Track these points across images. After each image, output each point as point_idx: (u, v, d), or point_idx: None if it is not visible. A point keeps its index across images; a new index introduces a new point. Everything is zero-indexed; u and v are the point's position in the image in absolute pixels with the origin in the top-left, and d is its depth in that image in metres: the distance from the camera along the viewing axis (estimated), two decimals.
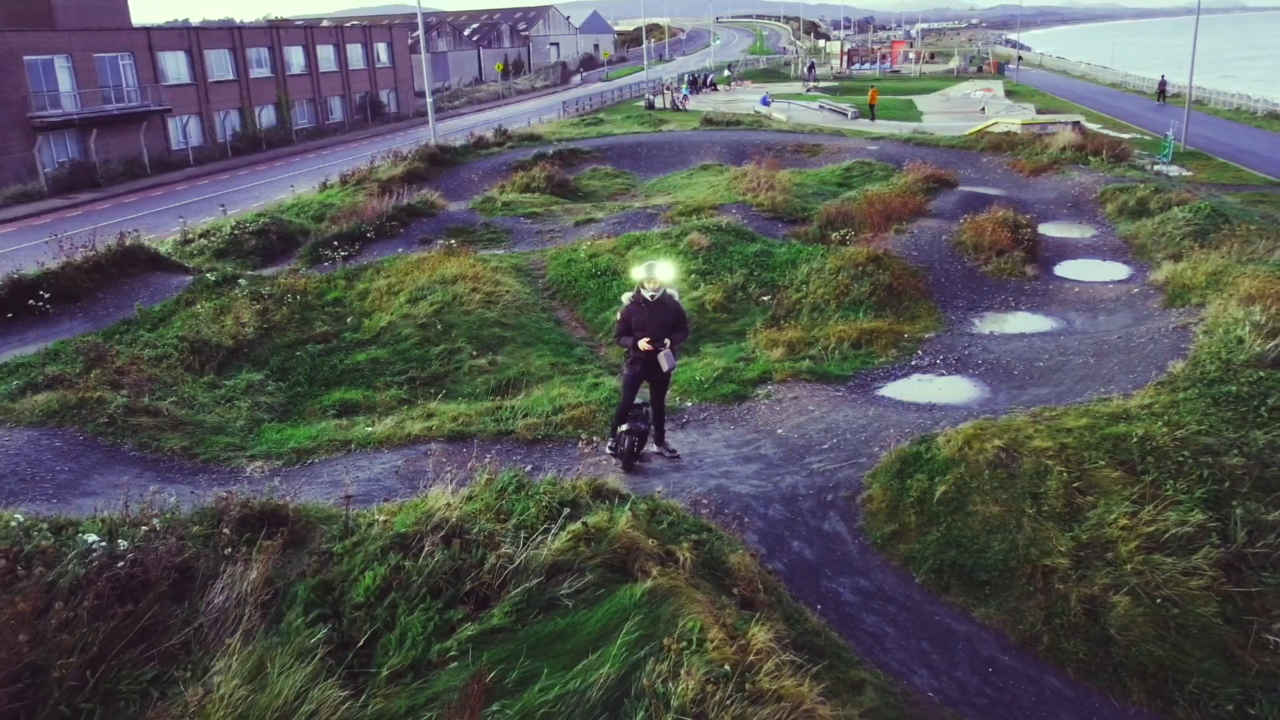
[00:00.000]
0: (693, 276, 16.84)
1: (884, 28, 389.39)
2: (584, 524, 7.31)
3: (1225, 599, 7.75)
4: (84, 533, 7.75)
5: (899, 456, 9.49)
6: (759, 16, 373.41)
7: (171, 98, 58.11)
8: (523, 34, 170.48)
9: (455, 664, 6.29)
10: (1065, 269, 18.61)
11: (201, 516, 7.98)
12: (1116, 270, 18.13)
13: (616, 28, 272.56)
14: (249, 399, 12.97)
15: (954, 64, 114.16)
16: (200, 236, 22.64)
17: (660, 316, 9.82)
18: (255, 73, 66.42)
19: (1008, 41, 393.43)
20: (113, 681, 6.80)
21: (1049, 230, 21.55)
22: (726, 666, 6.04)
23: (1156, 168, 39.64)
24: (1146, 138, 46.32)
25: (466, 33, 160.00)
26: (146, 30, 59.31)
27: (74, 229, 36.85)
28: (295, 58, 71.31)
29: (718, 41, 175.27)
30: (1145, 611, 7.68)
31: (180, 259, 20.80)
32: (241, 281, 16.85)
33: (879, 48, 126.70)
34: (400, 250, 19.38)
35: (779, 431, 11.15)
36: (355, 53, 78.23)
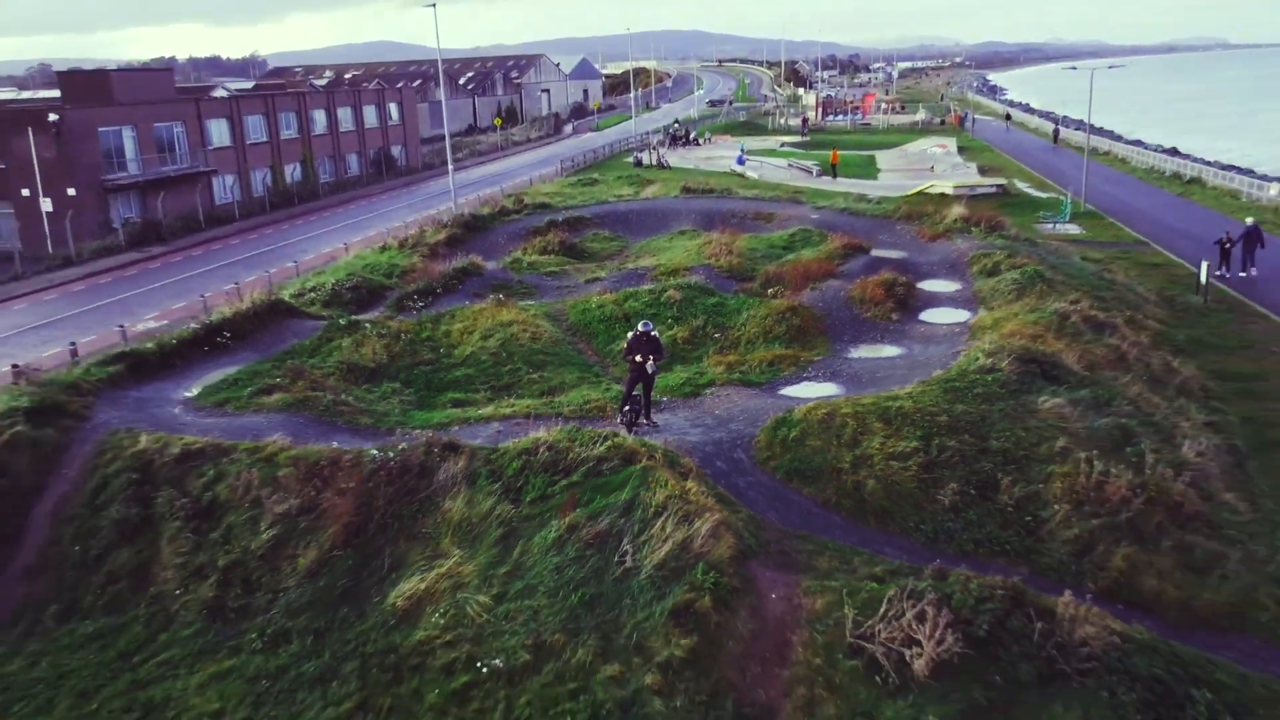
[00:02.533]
0: (669, 321, 25.26)
1: (866, 68, 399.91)
2: (611, 443, 15.67)
3: (921, 482, 16.09)
4: (369, 451, 16.06)
5: (775, 420, 17.86)
6: (743, 60, 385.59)
7: (216, 159, 66.62)
8: (515, 81, 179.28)
9: (559, 495, 14.64)
10: (927, 314, 27.06)
11: (421, 445, 16.27)
12: (960, 315, 26.55)
13: (605, 71, 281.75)
14: (395, 398, 21.28)
15: (920, 116, 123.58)
16: (310, 290, 30.90)
17: (649, 345, 18.17)
18: (284, 134, 74.95)
19: (985, 81, 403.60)
20: (400, 509, 15.07)
21: (927, 285, 30.07)
22: (675, 492, 14.38)
23: (1056, 226, 48.49)
24: (1059, 197, 54.98)
25: (462, 81, 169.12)
26: (196, 101, 67.95)
27: (160, 279, 45.43)
28: (318, 119, 79.80)
29: (700, 91, 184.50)
30: (882, 487, 16.03)
31: (302, 308, 29.02)
32: (367, 325, 25.19)
33: (852, 101, 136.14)
34: (465, 302, 27.73)
35: (716, 411, 19.53)
36: (370, 113, 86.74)
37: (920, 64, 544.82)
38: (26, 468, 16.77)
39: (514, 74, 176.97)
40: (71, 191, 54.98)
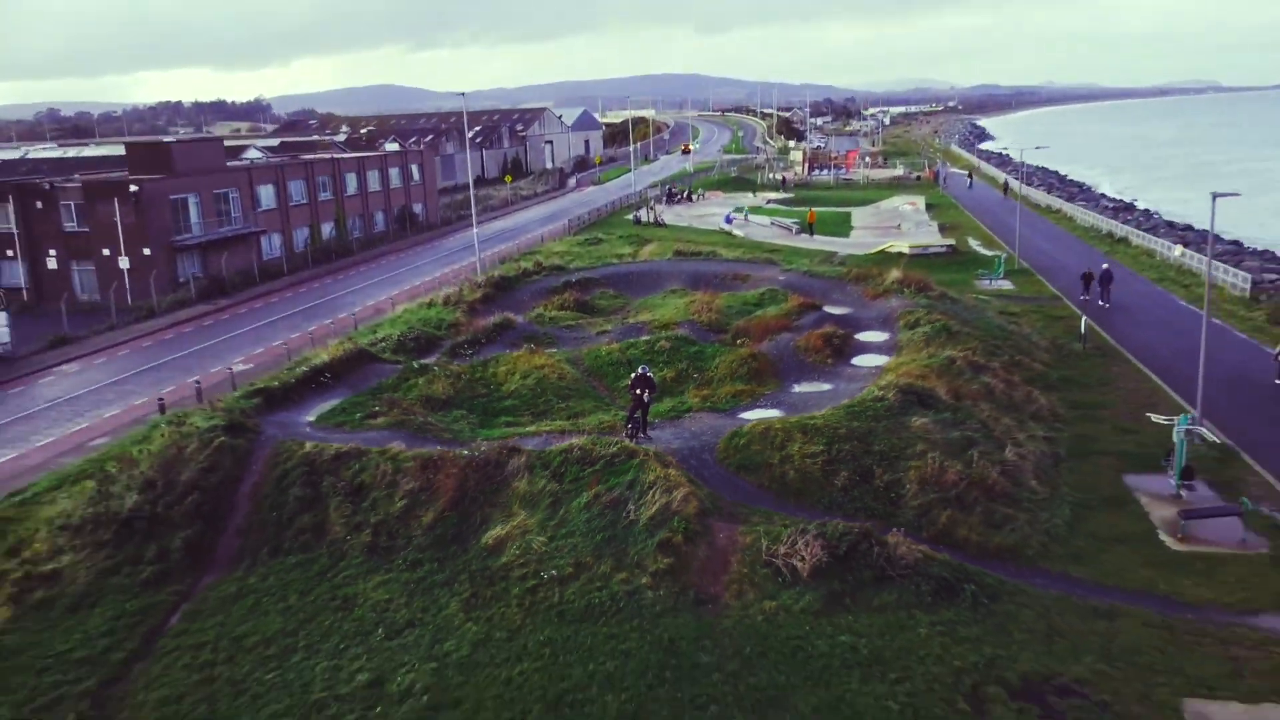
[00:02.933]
0: (660, 365, 33.81)
1: (860, 114, 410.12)
2: (621, 447, 24.17)
3: (824, 472, 24.60)
4: (461, 451, 24.62)
5: (731, 432, 26.39)
6: (738, 108, 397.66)
7: (264, 220, 75.50)
8: (520, 134, 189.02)
9: (587, 477, 23.17)
10: (858, 359, 35.64)
11: (495, 448, 24.78)
12: (881, 360, 35.08)
13: (604, 120, 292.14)
14: (464, 421, 29.78)
15: (898, 171, 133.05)
16: (380, 341, 39.43)
17: (646, 383, 26.73)
18: (321, 196, 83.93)
19: (973, 128, 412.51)
20: (485, 487, 23.69)
21: (863, 336, 38.68)
22: (661, 475, 22.87)
23: (992, 282, 57.20)
24: (1001, 255, 63.77)
25: (470, 134, 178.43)
26: (248, 170, 76.99)
27: (235, 329, 53.99)
28: (350, 181, 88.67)
29: (696, 146, 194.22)
30: (798, 475, 24.54)
31: (377, 354, 37.50)
32: (434, 368, 33.74)
33: (836, 156, 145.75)
34: (506, 350, 36.30)
35: (692, 429, 28.06)
36: (394, 174, 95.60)
37: (914, 108, 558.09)
38: (230, 464, 25.26)
39: (519, 127, 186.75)
40: (147, 251, 63.85)
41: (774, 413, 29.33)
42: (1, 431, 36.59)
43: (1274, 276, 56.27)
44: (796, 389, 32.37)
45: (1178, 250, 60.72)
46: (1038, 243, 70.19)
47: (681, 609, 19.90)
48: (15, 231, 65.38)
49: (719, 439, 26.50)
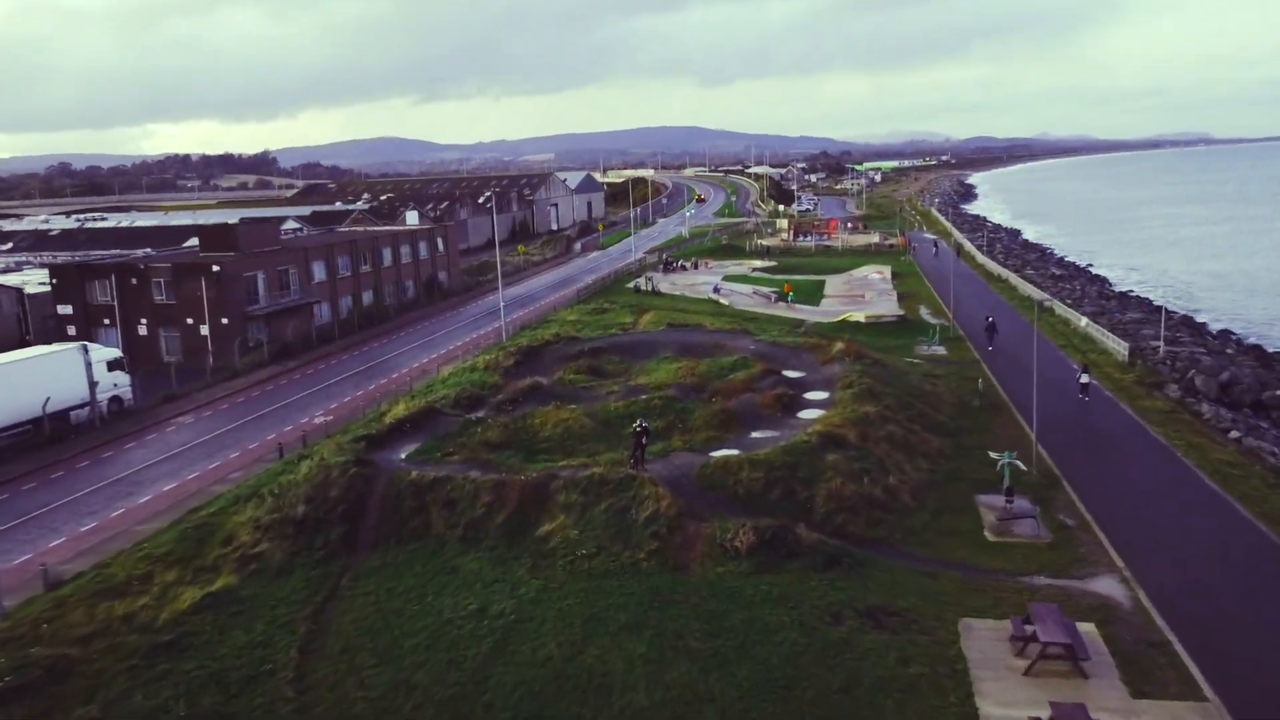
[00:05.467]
0: (654, 417, 45.95)
1: (852, 170, 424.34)
2: (626, 474, 36.25)
3: (764, 489, 36.69)
4: (518, 475, 36.79)
5: (702, 464, 38.57)
6: (733, 168, 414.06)
7: (316, 291, 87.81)
8: (528, 198, 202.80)
9: (605, 493, 35.29)
10: (802, 414, 47.75)
11: (542, 475, 36.93)
12: (819, 413, 47.15)
13: (605, 179, 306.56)
14: (515, 458, 41.85)
15: (874, 239, 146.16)
16: (440, 398, 51.53)
17: (645, 431, 38.94)
18: (362, 269, 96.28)
19: (960, 184, 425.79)
20: (536, 500, 35.90)
21: (809, 395, 50.87)
22: (653, 492, 34.96)
23: (930, 347, 69.48)
24: (938, 324, 76.12)
25: (480, 200, 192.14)
26: (304, 249, 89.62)
27: (308, 388, 66.17)
28: (386, 255, 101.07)
29: (690, 212, 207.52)
30: (746, 491, 36.70)
31: (441, 409, 49.50)
32: (488, 419, 45.88)
33: (819, 224, 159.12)
34: (540, 406, 48.44)
35: (676, 462, 40.21)
36: (423, 246, 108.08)
37: (907, 163, 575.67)
38: (362, 486, 37.33)
39: (526, 191, 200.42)
40: (224, 320, 76.27)
41: (734, 452, 41.40)
42: (155, 468, 48.78)
43: (1156, 343, 68.59)
44: (753, 435, 44.48)
45: (1083, 321, 73.18)
46: (976, 311, 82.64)
47: (665, 572, 31.93)
48: (114, 303, 78.00)
49: (694, 469, 38.60)
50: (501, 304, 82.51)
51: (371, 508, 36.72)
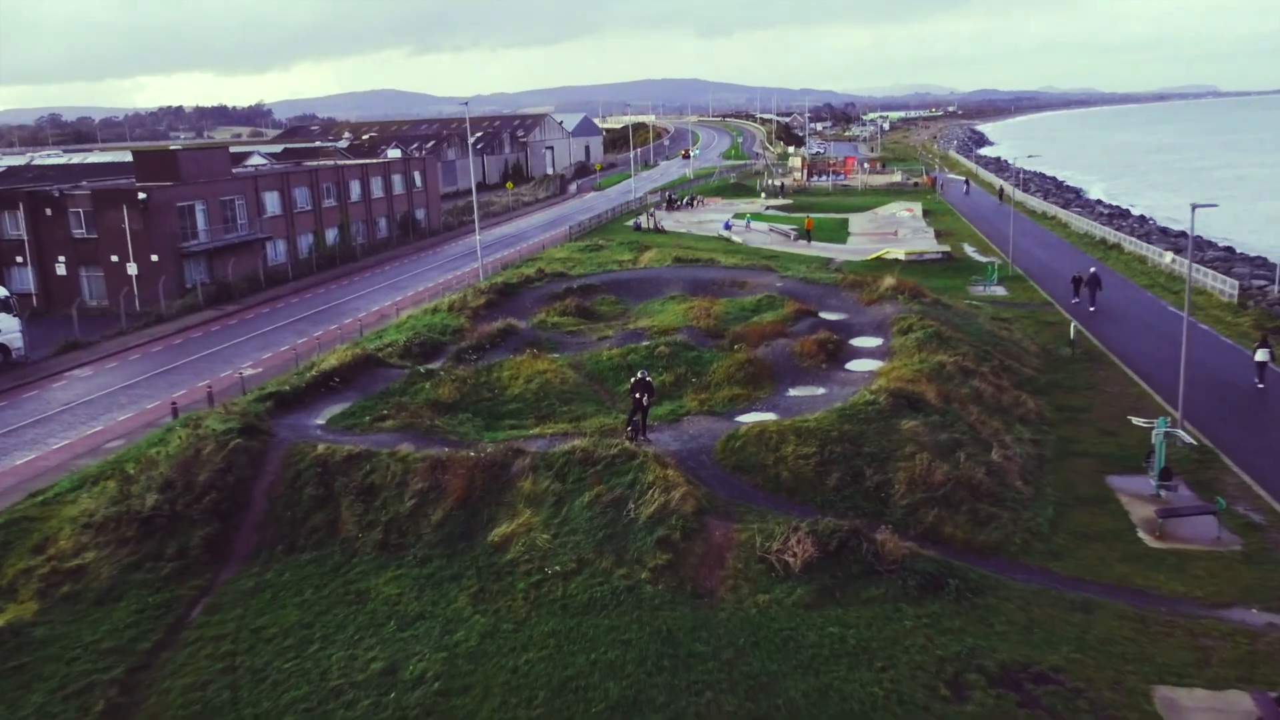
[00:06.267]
0: (659, 369, 34.83)
1: (859, 119, 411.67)
2: (621, 448, 25.21)
3: (816, 472, 25.62)
4: (468, 452, 25.65)
5: (727, 434, 27.41)
6: (737, 114, 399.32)
7: (269, 227, 76.45)
8: (521, 140, 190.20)
9: (589, 477, 24.19)
10: (851, 365, 36.65)
11: (500, 449, 25.82)
12: (874, 365, 36.10)
13: (605, 125, 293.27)
14: (470, 424, 30.81)
15: (896, 178, 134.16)
16: (387, 346, 40.47)
17: (645, 387, 27.75)
18: (325, 203, 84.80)
19: (972, 133, 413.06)
20: (491, 486, 24.70)
21: (857, 342, 39.71)
22: (660, 475, 23.89)
23: (987, 288, 58.27)
24: (995, 262, 64.87)
25: (471, 140, 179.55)
26: (254, 177, 78.07)
27: (243, 334, 55.07)
28: (354, 188, 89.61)
29: (696, 152, 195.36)
30: (791, 474, 25.57)
31: (385, 359, 38.52)
32: (441, 372, 34.79)
33: (835, 162, 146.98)
34: (509, 356, 37.31)
35: (690, 431, 29.08)
36: (397, 180, 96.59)
37: (914, 114, 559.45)
38: (246, 465, 26.29)
39: (520, 133, 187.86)
40: (155, 258, 64.89)
41: (769, 416, 30.34)
42: (19, 434, 37.62)
43: (1263, 282, 57.30)
44: (791, 393, 33.39)
45: (1168, 257, 61.81)
46: (1031, 249, 71.27)
47: (679, 602, 20.92)
48: (25, 238, 66.46)
49: (716, 441, 27.52)
50: (478, 237, 71.00)
51: (257, 498, 25.68)
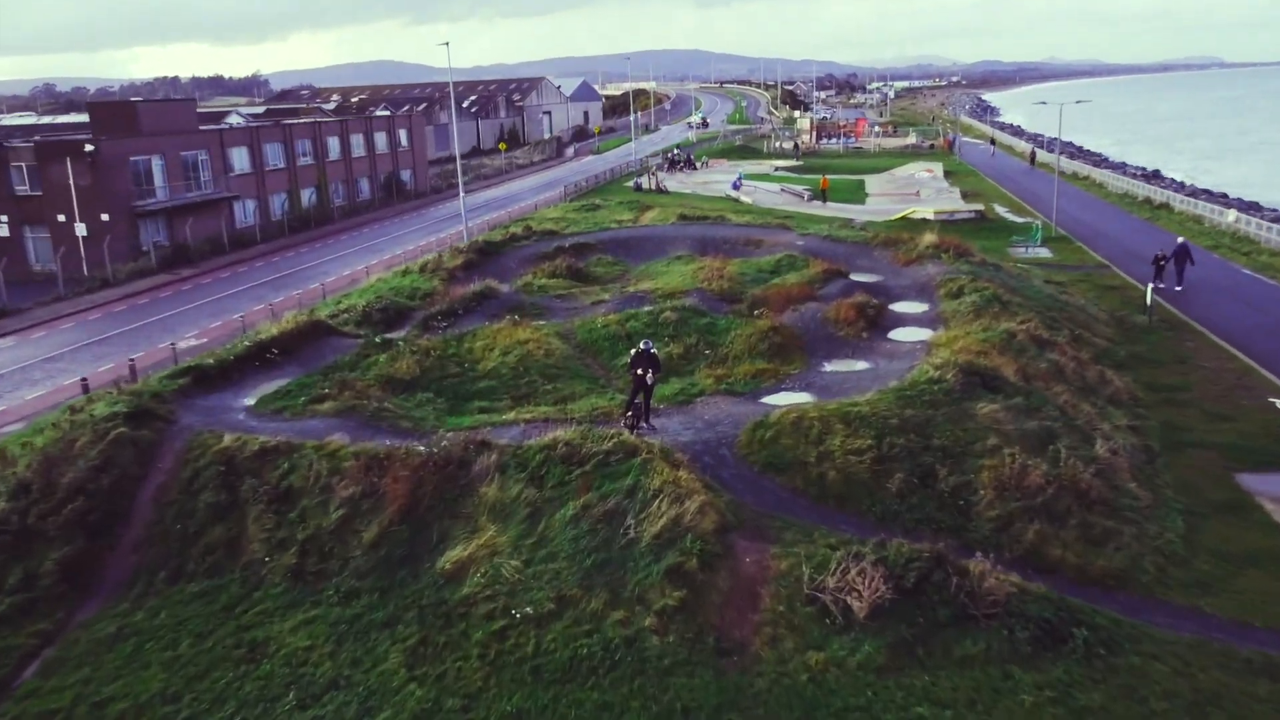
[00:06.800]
0: (665, 339, 28.66)
1: (863, 88, 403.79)
2: (617, 440, 19.09)
3: (873, 472, 19.48)
4: (417, 447, 19.44)
5: (754, 422, 21.25)
6: (740, 82, 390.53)
7: (237, 185, 70.07)
8: (517, 104, 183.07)
9: (575, 481, 18.04)
10: (895, 333, 30.47)
11: (460, 442, 19.66)
12: (923, 334, 29.94)
13: (604, 92, 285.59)
14: (430, 406, 24.68)
15: (911, 140, 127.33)
16: (343, 312, 34.30)
17: (649, 361, 21.58)
18: (301, 161, 78.38)
19: (979, 102, 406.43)
20: (444, 493, 18.42)
21: (898, 307, 33.51)
22: (670, 479, 17.76)
23: (1029, 250, 51.99)
24: (1034, 223, 58.55)
25: (465, 104, 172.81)
26: (220, 131, 71.58)
27: (194, 300, 48.95)
28: (332, 146, 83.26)
29: (698, 115, 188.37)
30: (841, 476, 19.42)
31: (338, 327, 32.40)
32: (400, 342, 28.62)
33: (845, 124, 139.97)
34: (484, 322, 31.15)
35: (706, 416, 22.92)
36: (380, 138, 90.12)
37: (917, 84, 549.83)
38: (130, 462, 20.16)
39: (516, 97, 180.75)
40: (105, 217, 58.40)
41: (804, 396, 24.23)
42: None
43: None
44: (828, 367, 27.23)
45: (1230, 215, 55.46)
46: (1071, 210, 64.80)
47: (698, 662, 14.85)
48: None
49: (740, 430, 21.38)
50: (461, 195, 64.51)
51: (142, 506, 19.55)
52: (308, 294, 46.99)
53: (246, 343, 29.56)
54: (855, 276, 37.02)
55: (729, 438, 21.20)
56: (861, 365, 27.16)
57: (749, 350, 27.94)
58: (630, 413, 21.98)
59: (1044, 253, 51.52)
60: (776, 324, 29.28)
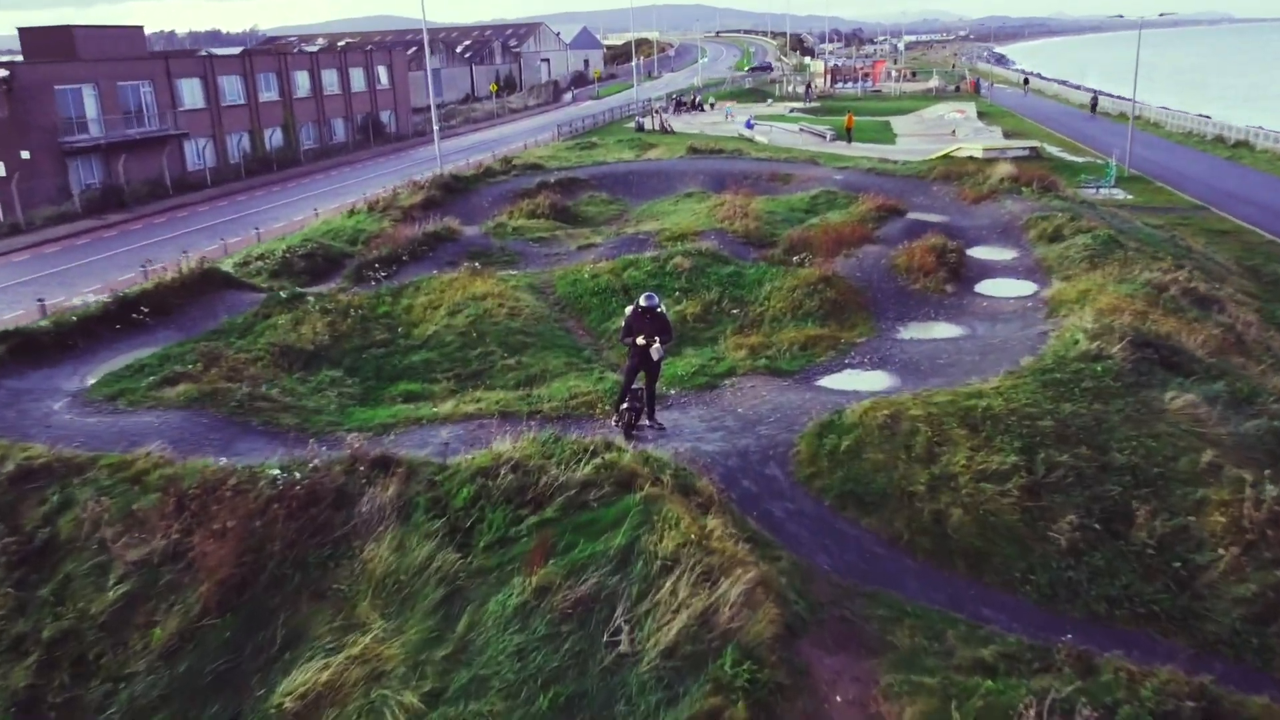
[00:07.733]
0: (676, 293, 20.84)
1: (871, 40, 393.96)
2: (602, 459, 11.29)
3: (1025, 511, 11.73)
4: (269, 469, 11.67)
5: (819, 423, 13.48)
6: (746, 31, 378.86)
7: (187, 122, 61.73)
8: (514, 50, 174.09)
9: (525, 538, 10.26)
10: (984, 286, 22.64)
11: (342, 461, 11.90)
12: (1024, 288, 22.14)
13: (606, 42, 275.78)
14: (334, 390, 16.91)
15: (933, 83, 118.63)
16: (257, 259, 26.52)
17: (654, 324, 13.79)
18: (264, 96, 70.07)
19: (992, 54, 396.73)
20: (304, 556, 10.72)
21: (978, 253, 25.60)
22: (691, 535, 10.00)
23: (1101, 191, 43.96)
24: (1099, 161, 50.52)
25: (459, 49, 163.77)
26: (165, 58, 63.30)
27: (113, 249, 41.05)
28: (301, 81, 74.98)
29: (704, 59, 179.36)
30: (971, 519, 11.66)
31: (243, 278, 24.67)
32: (310, 299, 20.78)
33: (861, 67, 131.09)
34: (434, 272, 23.32)
35: (739, 410, 15.14)
36: (357, 76, 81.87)
37: (924, 37, 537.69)
38: None
39: (513, 43, 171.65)
40: (25, 155, 50.28)
41: (882, 378, 16.43)
42: None
43: None
44: (904, 333, 19.39)
45: None
46: (1134, 150, 56.65)
47: None
48: None
49: (795, 435, 13.56)
50: (435, 126, 56.35)
51: None
52: (243, 241, 39.08)
53: (104, 299, 21.73)
54: (915, 215, 29.05)
55: (779, 447, 13.38)
56: (952, 330, 19.32)
57: (792, 309, 20.04)
58: (626, 405, 14.15)
59: (1119, 194, 43.46)
60: (828, 274, 21.33)
